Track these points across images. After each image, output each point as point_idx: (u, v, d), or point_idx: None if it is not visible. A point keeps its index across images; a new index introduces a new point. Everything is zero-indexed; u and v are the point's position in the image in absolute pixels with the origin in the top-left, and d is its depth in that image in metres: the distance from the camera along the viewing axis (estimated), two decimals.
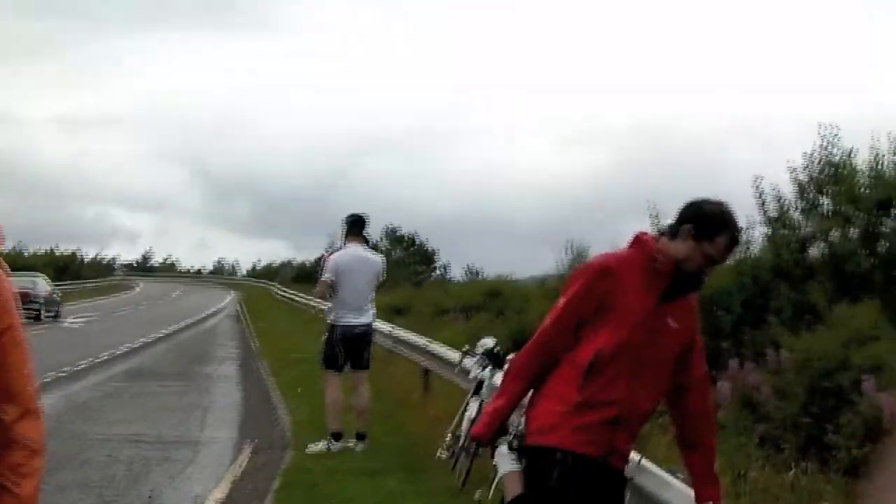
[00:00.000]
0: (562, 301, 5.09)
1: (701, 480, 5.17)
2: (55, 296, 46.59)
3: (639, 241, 5.12)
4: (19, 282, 45.38)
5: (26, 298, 38.80)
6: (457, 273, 60.96)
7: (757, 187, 20.70)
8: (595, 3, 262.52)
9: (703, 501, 5.14)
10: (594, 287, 4.98)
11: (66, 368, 21.82)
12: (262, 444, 13.45)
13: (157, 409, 16.52)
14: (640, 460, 5.50)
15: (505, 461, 5.18)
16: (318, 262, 14.92)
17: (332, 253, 13.39)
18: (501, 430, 5.24)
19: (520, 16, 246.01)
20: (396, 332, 19.34)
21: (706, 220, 4.96)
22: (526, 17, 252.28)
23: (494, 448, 5.26)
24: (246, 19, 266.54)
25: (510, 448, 5.17)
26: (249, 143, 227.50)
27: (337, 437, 12.71)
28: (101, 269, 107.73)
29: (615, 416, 4.94)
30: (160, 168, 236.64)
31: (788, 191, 20.48)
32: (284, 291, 62.62)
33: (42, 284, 45.37)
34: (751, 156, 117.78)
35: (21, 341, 3.37)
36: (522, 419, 5.15)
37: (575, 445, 4.92)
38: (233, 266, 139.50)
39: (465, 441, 10.45)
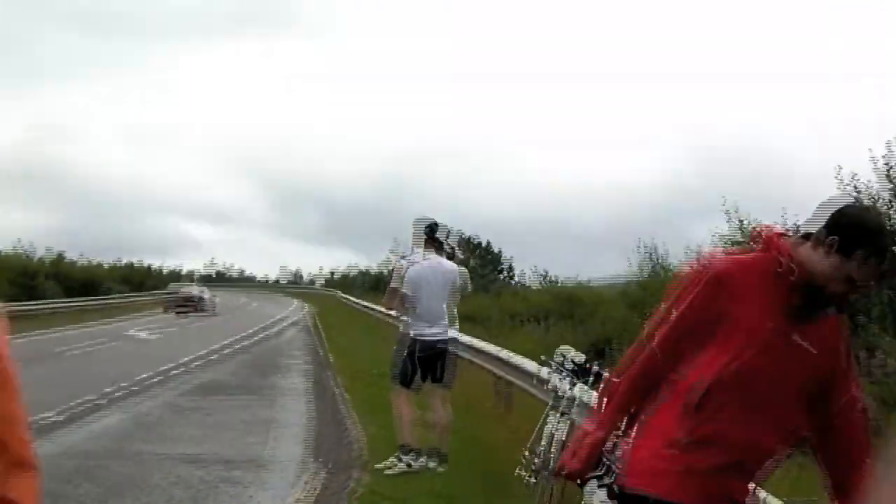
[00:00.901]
0: (670, 313, 4.18)
1: None
2: (211, 297, 67.70)
3: (769, 243, 4.14)
4: (185, 287, 71.99)
5: (190, 299, 64.25)
6: (529, 279, 60.34)
7: (841, 180, 19.63)
8: (662, 3, 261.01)
9: None
10: (709, 298, 4.05)
11: (132, 382, 21.39)
12: (331, 464, 12.75)
13: (222, 426, 15.87)
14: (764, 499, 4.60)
15: (596, 502, 4.38)
16: (391, 270, 14.32)
17: (404, 259, 12.74)
18: (596, 462, 4.41)
19: (582, 19, 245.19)
20: (470, 341, 18.63)
21: (853, 233, 3.97)
22: (587, 21, 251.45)
23: (585, 481, 4.46)
24: (309, 29, 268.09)
25: (604, 487, 4.38)
26: (315, 151, 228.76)
27: (405, 450, 12.05)
28: (175, 280, 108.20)
29: (730, 458, 4.05)
30: (227, 179, 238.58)
31: (872, 182, 19.42)
32: (357, 301, 62.18)
33: (198, 289, 69.54)
34: (827, 154, 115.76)
35: (8, 380, 2.89)
36: (620, 453, 4.32)
37: (682, 495, 4.03)
38: (303, 275, 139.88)
39: (546, 459, 9.70)
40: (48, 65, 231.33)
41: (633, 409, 4.27)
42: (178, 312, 61.61)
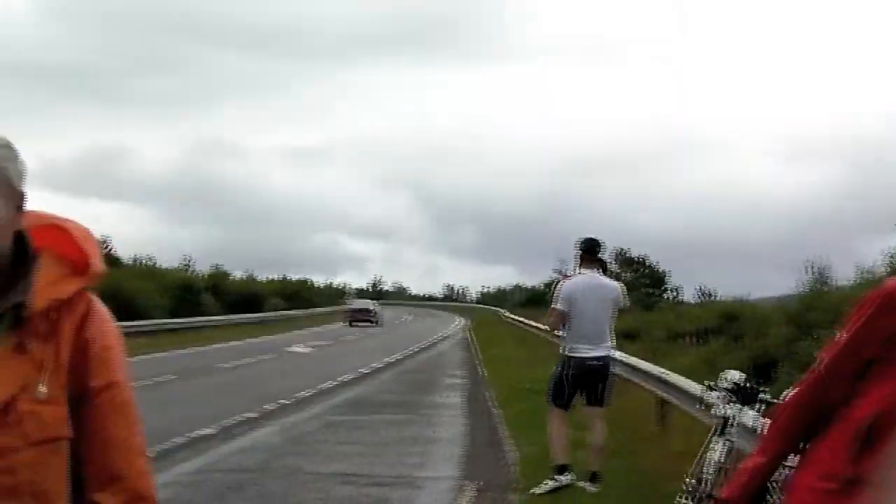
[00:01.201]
0: (841, 337, 3.75)
1: None
2: (380, 310, 79.11)
3: None
4: (360, 301, 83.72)
5: (367, 313, 75.38)
6: (689, 295, 59.33)
7: None
8: (831, 9, 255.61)
9: None
10: (879, 321, 3.55)
11: (287, 397, 21.38)
12: (485, 485, 12.44)
13: (375, 443, 15.68)
14: None
15: None
16: (552, 287, 14.02)
17: (565, 277, 12.43)
18: (759, 494, 4.00)
19: (746, 30, 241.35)
20: (627, 359, 18.17)
21: None
22: (752, 31, 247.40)
23: None
24: (464, 48, 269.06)
25: None
26: (473, 168, 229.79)
27: (560, 470, 11.71)
28: (332, 295, 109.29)
29: None
30: (386, 196, 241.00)
31: None
32: (514, 317, 61.88)
33: (371, 304, 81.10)
34: None
35: (125, 405, 2.78)
36: (783, 484, 3.91)
37: None
38: (462, 291, 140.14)
39: (708, 488, 9.24)
40: (212, 85, 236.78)
41: (797, 437, 3.87)
42: (352, 324, 72.49)
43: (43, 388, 2.59)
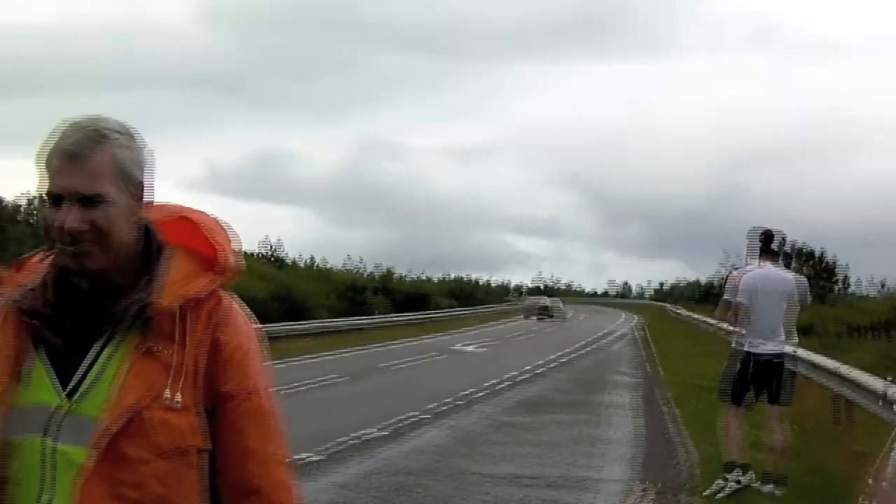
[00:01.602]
0: None
1: None
2: (561, 307, 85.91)
3: None
4: (541, 299, 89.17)
5: (545, 309, 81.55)
6: (866, 288, 57.73)
7: None
8: None
9: None
10: None
11: (456, 397, 21.21)
12: (659, 486, 12.04)
13: (544, 444, 15.36)
14: None
15: None
16: (723, 281, 13.57)
17: (735, 270, 11.97)
18: None
19: None
20: (806, 355, 17.52)
21: None
22: None
23: None
24: (632, 40, 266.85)
25: None
26: (637, 164, 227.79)
27: (729, 467, 11.28)
28: (498, 293, 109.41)
29: None
30: (549, 193, 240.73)
31: None
32: (684, 312, 61.00)
33: (550, 301, 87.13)
34: None
35: (263, 412, 2.60)
36: None
37: None
38: (630, 287, 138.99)
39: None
40: (375, 86, 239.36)
41: None
42: (534, 317, 78.33)
43: (172, 395, 2.45)
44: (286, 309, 46.49)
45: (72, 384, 2.44)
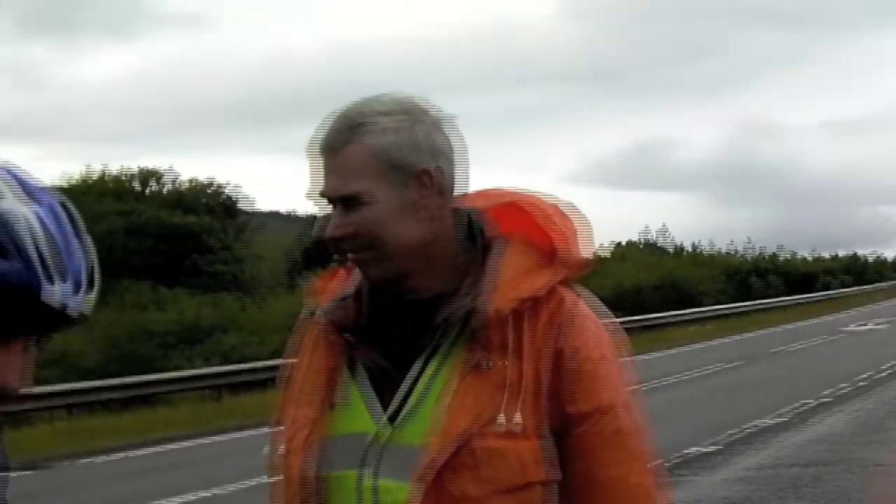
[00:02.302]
0: None
1: None
2: None
3: None
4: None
5: None
6: None
7: None
8: None
9: None
10: None
11: (850, 382, 20.42)
12: None
13: None
14: None
15: None
16: None
17: None
18: None
19: None
20: None
21: None
22: None
23: None
24: None
25: None
26: None
27: None
28: (893, 268, 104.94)
29: None
30: None
31: None
32: None
33: None
34: None
35: (627, 435, 2.15)
36: None
37: None
38: None
39: None
40: (747, 66, 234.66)
41: None
42: None
43: (508, 418, 2.07)
44: (672, 297, 46.48)
45: (391, 408, 2.12)
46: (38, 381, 22.70)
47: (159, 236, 42.28)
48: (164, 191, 48.06)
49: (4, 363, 1.40)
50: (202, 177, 49.38)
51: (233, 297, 38.23)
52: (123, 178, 47.06)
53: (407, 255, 2.11)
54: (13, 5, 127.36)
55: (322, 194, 2.16)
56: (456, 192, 2.18)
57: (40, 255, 1.39)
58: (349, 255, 2.16)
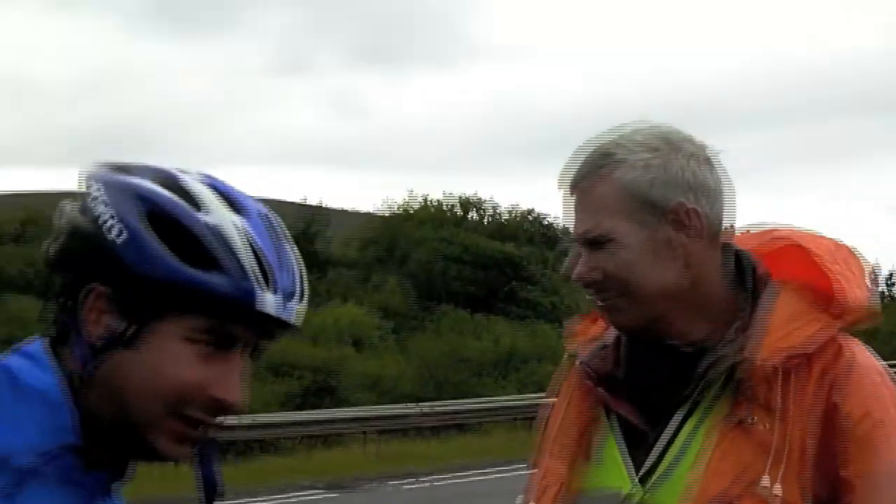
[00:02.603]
0: None
1: None
2: None
3: None
4: None
5: None
6: None
7: None
8: None
9: None
10: None
11: None
12: None
13: None
14: None
15: None
16: None
17: None
18: None
19: None
20: None
21: None
22: None
23: None
24: None
25: None
26: None
27: None
28: None
29: None
30: None
31: None
32: None
33: None
34: None
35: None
36: None
37: None
38: None
39: None
40: None
41: None
42: None
43: (772, 483, 1.86)
44: None
45: (646, 466, 1.99)
46: (352, 404, 22.97)
47: (478, 264, 42.38)
48: (485, 220, 48.36)
49: (223, 376, 1.40)
50: (523, 206, 49.60)
51: (551, 327, 37.96)
52: (444, 207, 47.52)
53: (660, 301, 1.98)
54: (339, 38, 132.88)
55: (572, 235, 2.06)
56: (723, 231, 2.03)
57: (256, 264, 1.40)
58: (597, 301, 2.04)
